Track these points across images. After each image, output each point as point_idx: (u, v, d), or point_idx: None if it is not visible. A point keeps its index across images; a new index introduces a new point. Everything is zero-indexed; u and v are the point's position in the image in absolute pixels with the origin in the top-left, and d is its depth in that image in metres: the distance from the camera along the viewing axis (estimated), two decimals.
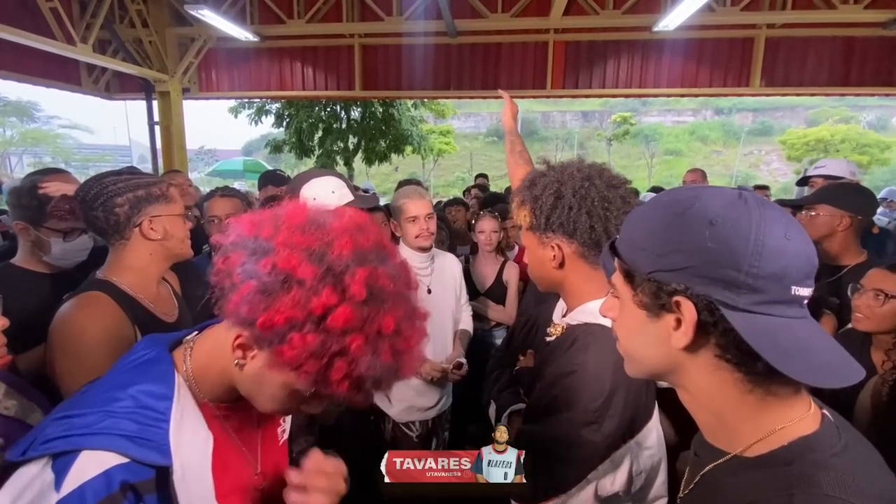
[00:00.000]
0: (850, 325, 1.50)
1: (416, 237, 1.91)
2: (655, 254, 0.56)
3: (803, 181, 2.71)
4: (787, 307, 0.52)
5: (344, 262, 0.59)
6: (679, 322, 0.55)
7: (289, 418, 0.91)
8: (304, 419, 1.12)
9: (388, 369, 0.60)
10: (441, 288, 2.03)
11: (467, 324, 2.24)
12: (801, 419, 0.55)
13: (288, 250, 0.58)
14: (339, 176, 1.46)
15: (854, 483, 0.49)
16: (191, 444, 0.66)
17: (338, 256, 0.59)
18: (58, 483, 0.56)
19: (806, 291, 0.52)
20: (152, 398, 0.64)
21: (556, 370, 0.95)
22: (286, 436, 0.89)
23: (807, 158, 29.22)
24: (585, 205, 0.94)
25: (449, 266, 2.13)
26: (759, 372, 0.53)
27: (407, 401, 1.99)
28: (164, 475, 0.62)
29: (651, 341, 0.59)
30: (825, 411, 0.58)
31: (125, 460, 0.59)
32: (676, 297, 0.54)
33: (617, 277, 0.63)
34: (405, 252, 1.95)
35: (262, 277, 0.57)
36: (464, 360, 1.98)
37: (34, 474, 0.57)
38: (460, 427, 2.45)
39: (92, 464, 0.58)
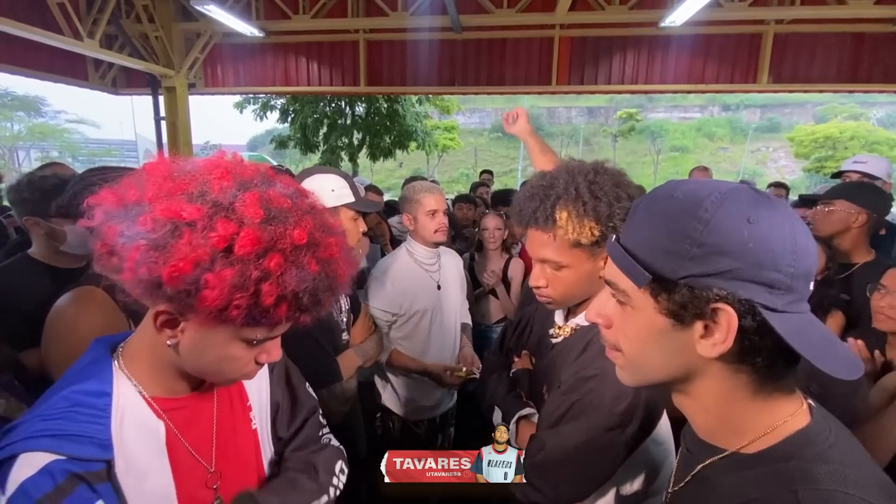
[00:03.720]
0: (874, 325, 1.50)
1: (436, 232, 1.90)
2: (686, 257, 0.50)
3: (838, 174, 2.66)
4: (804, 303, 0.51)
5: (229, 193, 0.58)
6: (706, 328, 0.51)
7: (259, 402, 0.86)
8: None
9: (321, 280, 0.60)
10: (448, 284, 2.04)
11: (467, 318, 2.28)
12: (795, 413, 0.54)
13: (164, 201, 0.56)
14: (345, 176, 1.44)
15: (850, 475, 0.49)
16: (137, 437, 0.65)
17: (220, 190, 0.58)
18: (2, 487, 0.57)
19: (811, 287, 0.52)
20: (88, 395, 0.64)
21: (576, 374, 0.91)
22: (255, 424, 0.84)
23: (814, 156, 28.93)
24: (617, 204, 0.88)
25: (454, 263, 2.15)
26: (776, 372, 0.52)
27: (416, 400, 2.02)
28: (110, 470, 0.62)
29: (671, 350, 0.55)
30: (810, 401, 0.58)
31: (63, 457, 0.59)
32: (716, 304, 0.50)
33: (628, 283, 0.56)
34: (415, 248, 1.96)
35: (148, 235, 0.54)
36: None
37: None
38: (465, 423, 2.47)
39: (28, 464, 0.58)
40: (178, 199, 0.56)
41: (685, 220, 0.51)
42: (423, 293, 1.93)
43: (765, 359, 0.51)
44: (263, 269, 0.56)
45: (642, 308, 0.56)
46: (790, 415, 0.54)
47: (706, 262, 0.50)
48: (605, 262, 0.88)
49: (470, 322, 2.29)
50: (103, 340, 0.72)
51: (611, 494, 0.90)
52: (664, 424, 0.94)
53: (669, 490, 0.67)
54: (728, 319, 0.49)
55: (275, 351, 0.68)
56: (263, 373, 0.88)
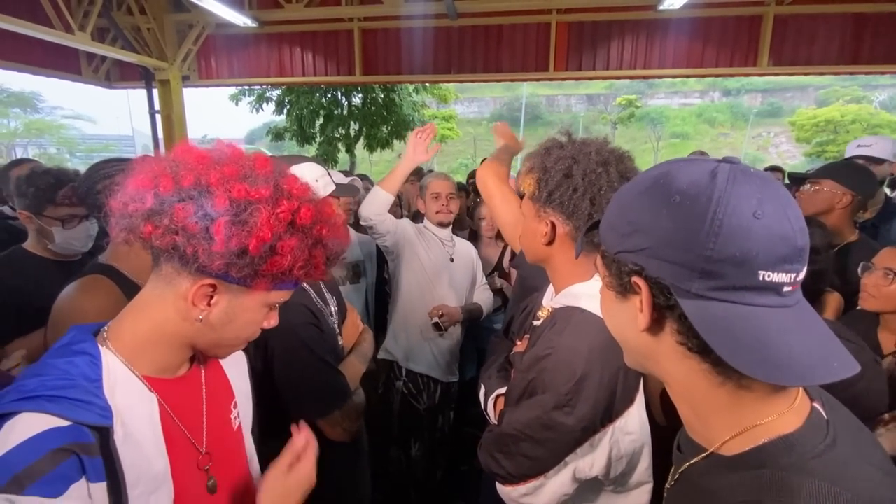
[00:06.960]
0: (859, 307, 1.49)
1: (437, 212, 2.16)
2: (621, 233, 0.54)
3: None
4: (757, 294, 0.46)
5: (273, 176, 0.67)
6: (642, 303, 0.53)
7: (244, 406, 0.88)
8: None
9: (340, 244, 0.74)
10: (460, 261, 2.26)
11: (483, 301, 2.33)
12: (781, 415, 0.50)
13: (229, 183, 0.63)
14: (320, 162, 1.45)
15: (832, 490, 0.45)
16: (131, 408, 0.64)
17: (265, 174, 0.66)
18: None
19: (783, 277, 0.46)
20: (78, 365, 0.62)
21: (533, 353, 0.95)
22: (240, 422, 0.86)
23: (815, 140, 28.74)
24: (591, 191, 0.91)
25: (467, 248, 2.35)
26: (724, 363, 0.47)
27: (422, 350, 2.18)
28: (106, 439, 0.60)
29: (623, 323, 0.58)
30: (816, 404, 0.53)
31: (63, 423, 0.57)
32: (633, 278, 0.53)
33: (597, 258, 0.63)
34: (430, 227, 2.20)
35: (227, 214, 0.61)
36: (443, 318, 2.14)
37: None
38: (465, 410, 2.52)
39: (20, 428, 0.55)
40: (240, 182, 0.63)
41: (625, 199, 0.56)
42: (439, 258, 2.18)
43: (696, 345, 0.50)
44: (315, 237, 0.68)
45: (602, 282, 0.62)
46: (769, 416, 0.50)
47: (629, 239, 0.53)
48: (545, 232, 0.96)
49: (482, 306, 2.32)
50: (82, 326, 0.71)
51: (567, 473, 0.90)
52: (637, 416, 0.93)
53: (666, 486, 0.67)
54: (643, 292, 0.52)
55: (274, 318, 0.77)
56: (245, 370, 0.93)
